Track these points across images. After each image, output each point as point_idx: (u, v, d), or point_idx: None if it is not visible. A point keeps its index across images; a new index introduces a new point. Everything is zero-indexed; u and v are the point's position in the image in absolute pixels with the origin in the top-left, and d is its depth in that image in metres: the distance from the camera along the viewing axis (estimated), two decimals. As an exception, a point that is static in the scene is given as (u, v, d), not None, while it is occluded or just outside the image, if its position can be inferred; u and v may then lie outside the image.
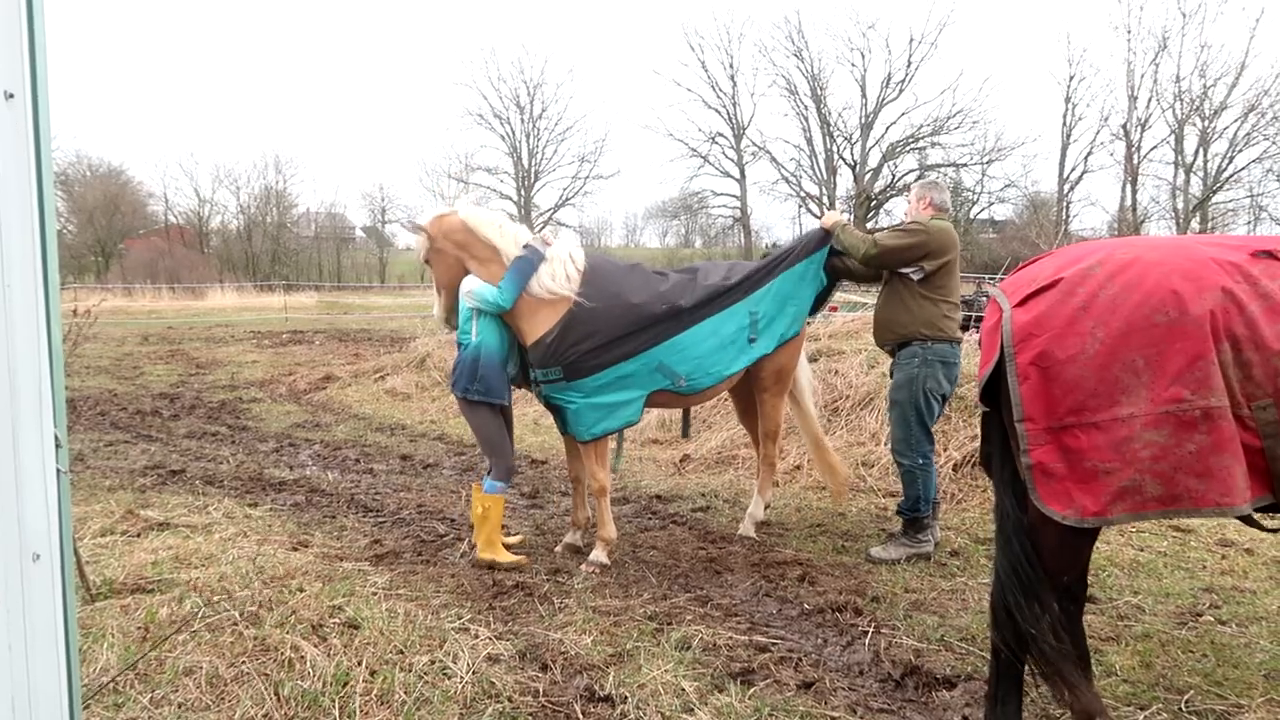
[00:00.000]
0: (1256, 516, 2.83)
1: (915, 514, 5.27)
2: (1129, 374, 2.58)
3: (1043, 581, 2.84)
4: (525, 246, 5.11)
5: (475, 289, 5.06)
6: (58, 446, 1.62)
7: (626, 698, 3.39)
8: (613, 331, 5.01)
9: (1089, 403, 2.62)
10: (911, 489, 5.29)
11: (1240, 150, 40.18)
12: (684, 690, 3.44)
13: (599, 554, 5.17)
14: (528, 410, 11.01)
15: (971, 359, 7.91)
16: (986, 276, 19.02)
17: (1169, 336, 2.54)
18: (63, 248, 50.73)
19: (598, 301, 5.04)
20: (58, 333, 1.64)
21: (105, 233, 54.37)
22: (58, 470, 1.62)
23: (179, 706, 3.20)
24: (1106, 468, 2.60)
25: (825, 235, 5.54)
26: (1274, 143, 39.60)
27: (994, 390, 2.88)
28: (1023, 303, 2.80)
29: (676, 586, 4.75)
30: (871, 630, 4.09)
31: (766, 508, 6.05)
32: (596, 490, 5.22)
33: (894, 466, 7.08)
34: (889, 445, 5.58)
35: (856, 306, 14.49)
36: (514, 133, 58.31)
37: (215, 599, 4.08)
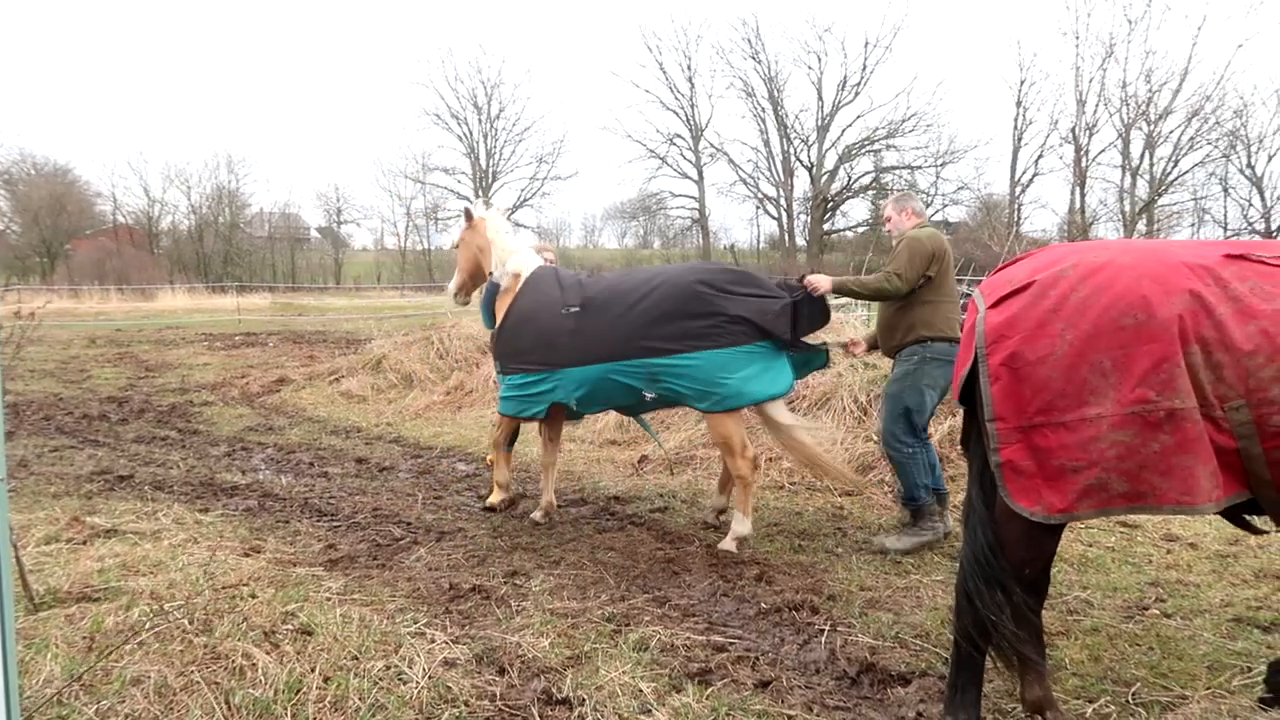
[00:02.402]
0: (1249, 519, 2.90)
1: (915, 502, 5.41)
2: (1097, 375, 2.63)
3: (1006, 571, 2.90)
4: (490, 275, 6.30)
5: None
6: (-6, 453, 1.58)
7: (584, 700, 3.38)
8: (526, 338, 5.82)
9: (1058, 403, 2.68)
10: (906, 477, 5.43)
11: (1184, 154, 41.35)
12: (642, 691, 3.44)
13: (492, 497, 6.40)
14: (485, 413, 10.96)
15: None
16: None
17: (1136, 339, 2.60)
18: (6, 248, 49.57)
19: (528, 307, 5.87)
20: (-6, 336, 1.59)
21: (51, 233, 53.09)
22: (-6, 477, 1.58)
23: (126, 718, 3.13)
24: (1074, 466, 2.66)
25: (778, 318, 5.21)
26: (1216, 147, 40.75)
27: (971, 389, 2.94)
28: (997, 304, 2.86)
29: (634, 587, 4.75)
30: (828, 628, 4.12)
31: (721, 514, 6.06)
32: (493, 440, 6.47)
33: (849, 466, 7.16)
34: (879, 439, 5.70)
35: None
36: (471, 133, 58.18)
37: (164, 607, 4.00)
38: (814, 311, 5.42)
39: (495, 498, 6.38)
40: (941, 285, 5.34)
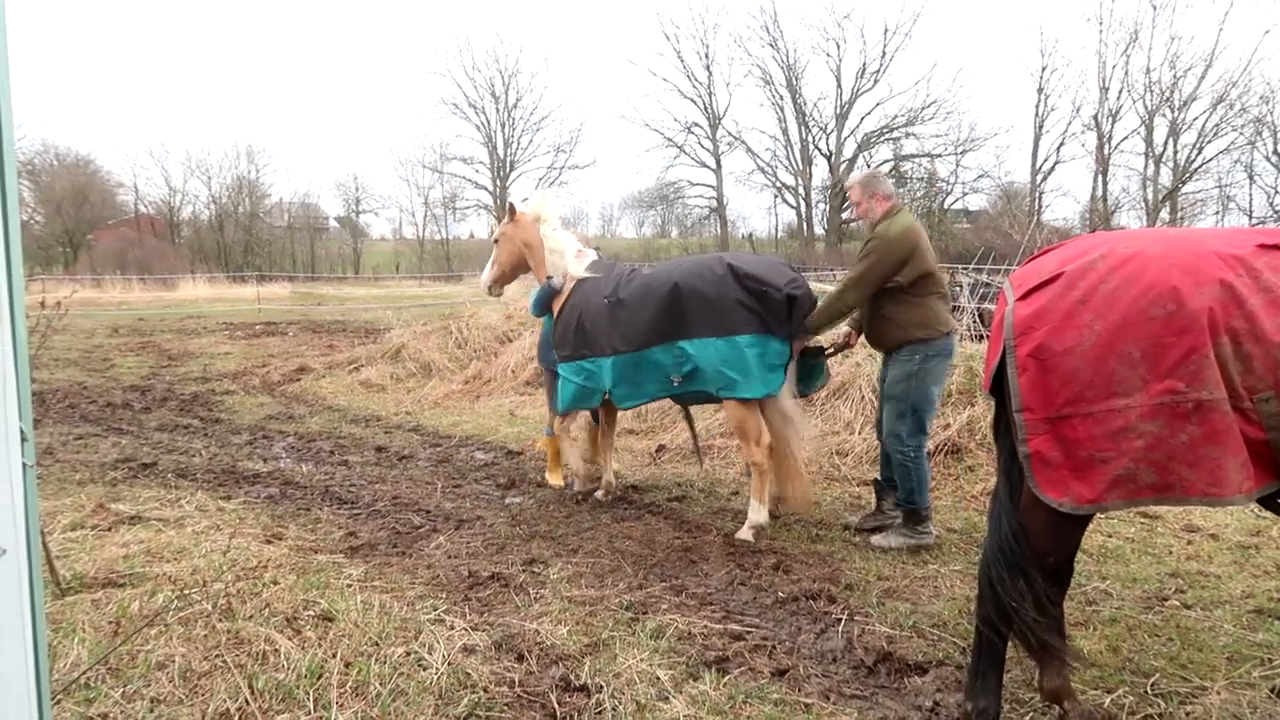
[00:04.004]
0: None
1: (912, 506, 5.26)
2: (1125, 366, 2.61)
3: (1029, 560, 2.90)
4: (549, 280, 6.30)
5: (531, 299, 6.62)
6: (23, 440, 1.60)
7: (602, 687, 3.40)
8: (575, 327, 5.93)
9: (1086, 394, 2.66)
10: (906, 481, 5.27)
11: (1209, 141, 40.81)
12: (659, 679, 3.46)
13: (576, 484, 6.64)
14: (503, 402, 11.00)
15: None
16: (960, 266, 19.13)
17: (1165, 330, 2.57)
18: (30, 238, 50.01)
19: (578, 301, 5.98)
20: (21, 325, 1.62)
21: (73, 223, 53.62)
22: (23, 464, 1.61)
23: (151, 700, 3.18)
24: (1102, 457, 2.65)
25: (786, 311, 5.30)
26: (1241, 134, 40.19)
27: (1001, 381, 2.93)
28: (1025, 296, 2.85)
29: (652, 576, 4.77)
30: (845, 618, 4.12)
31: (779, 503, 6.02)
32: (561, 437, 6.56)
33: (868, 455, 7.15)
34: (884, 437, 5.55)
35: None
36: (489, 122, 58.28)
37: (188, 592, 4.05)
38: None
39: (579, 484, 6.60)
40: (930, 281, 5.13)
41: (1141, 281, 2.65)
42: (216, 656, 3.46)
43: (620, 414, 9.30)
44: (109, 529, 5.17)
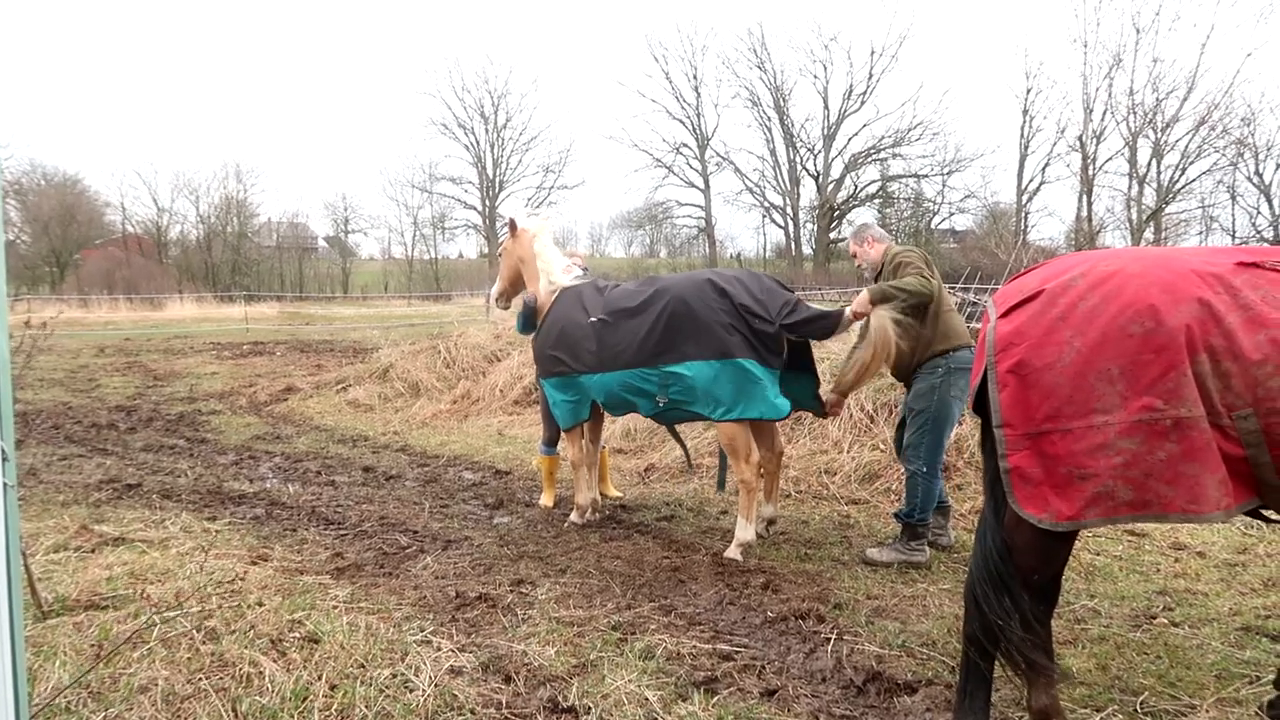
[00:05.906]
0: (1268, 514, 2.88)
1: (911, 519, 5.28)
2: (1104, 383, 2.63)
3: (1014, 578, 2.90)
4: (527, 294, 6.56)
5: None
6: (5, 460, 1.59)
7: (590, 708, 3.38)
8: (556, 342, 6.03)
9: (1065, 410, 2.68)
10: (912, 495, 5.30)
11: (1192, 162, 41.11)
12: (647, 700, 3.44)
13: (574, 516, 6.40)
14: (491, 421, 10.97)
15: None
16: (947, 285, 19.21)
17: (1144, 347, 2.59)
18: (16, 258, 49.81)
19: (559, 317, 6.06)
20: (5, 344, 1.61)
21: (60, 243, 53.38)
22: (4, 484, 1.59)
23: (133, 725, 3.14)
24: (1081, 473, 2.66)
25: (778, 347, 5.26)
26: (1223, 155, 40.60)
27: (984, 398, 2.95)
28: (1007, 313, 2.88)
29: (640, 596, 4.75)
30: (834, 637, 4.11)
31: (771, 523, 5.99)
32: (572, 460, 6.44)
33: (856, 474, 7.16)
34: (888, 450, 5.58)
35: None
36: (478, 143, 58.40)
37: (171, 614, 4.01)
38: (812, 330, 5.30)
39: (576, 516, 6.40)
40: (942, 294, 5.27)
41: (1120, 299, 2.67)
42: (200, 679, 3.42)
43: (607, 433, 9.32)
44: (92, 550, 5.12)
